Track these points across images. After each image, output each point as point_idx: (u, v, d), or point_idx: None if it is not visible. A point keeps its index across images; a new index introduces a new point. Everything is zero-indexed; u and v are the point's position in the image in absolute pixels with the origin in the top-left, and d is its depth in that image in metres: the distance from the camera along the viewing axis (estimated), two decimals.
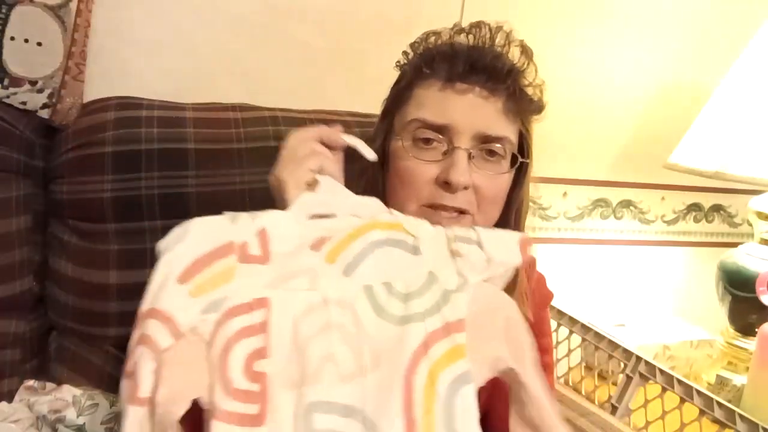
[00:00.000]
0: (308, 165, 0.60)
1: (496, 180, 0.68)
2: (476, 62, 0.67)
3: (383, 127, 0.73)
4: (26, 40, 0.82)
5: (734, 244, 1.35)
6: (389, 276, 0.53)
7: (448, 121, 0.66)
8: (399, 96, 0.72)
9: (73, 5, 0.85)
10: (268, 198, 0.95)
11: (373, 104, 1.10)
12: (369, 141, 0.74)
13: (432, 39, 0.72)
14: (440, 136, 0.67)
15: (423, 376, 0.50)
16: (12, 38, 0.81)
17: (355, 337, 0.50)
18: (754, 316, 1.22)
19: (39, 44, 0.83)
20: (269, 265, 0.51)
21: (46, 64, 0.84)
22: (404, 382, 0.49)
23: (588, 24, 1.37)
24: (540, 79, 0.71)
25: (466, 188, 0.66)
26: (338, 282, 0.52)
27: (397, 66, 0.75)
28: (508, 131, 0.68)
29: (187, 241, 0.50)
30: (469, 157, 0.66)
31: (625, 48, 1.42)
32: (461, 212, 0.67)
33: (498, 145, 0.67)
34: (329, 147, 0.64)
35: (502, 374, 0.53)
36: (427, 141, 0.67)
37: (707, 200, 1.63)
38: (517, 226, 0.74)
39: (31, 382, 0.80)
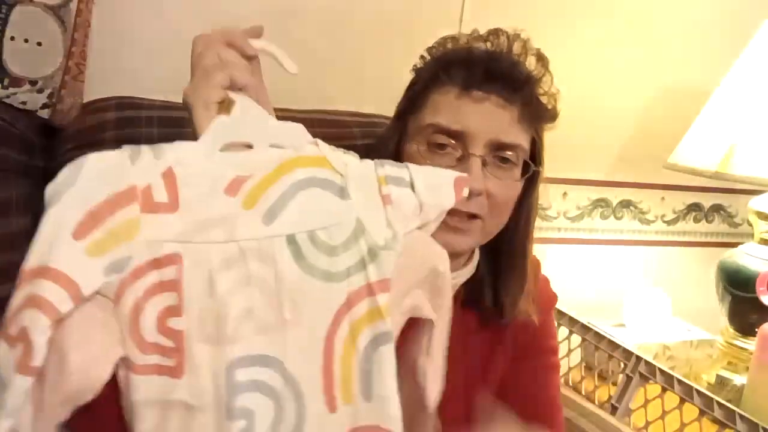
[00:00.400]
0: (216, 80, 0.51)
1: (508, 187, 0.69)
2: (494, 70, 0.67)
3: (397, 129, 0.73)
4: (26, 40, 0.82)
5: (734, 244, 1.35)
6: (314, 223, 0.49)
7: (464, 127, 0.66)
8: (414, 100, 0.72)
9: (73, 5, 0.85)
10: None
11: (373, 104, 1.10)
12: (382, 142, 0.76)
13: (449, 44, 0.73)
14: (455, 142, 0.67)
15: (344, 334, 0.49)
16: (12, 38, 0.81)
17: (276, 291, 0.47)
18: (754, 316, 1.22)
19: (39, 44, 0.83)
20: (178, 214, 0.45)
21: (46, 64, 0.84)
22: (326, 340, 0.48)
23: (588, 24, 1.37)
24: (555, 88, 0.72)
25: (479, 194, 0.67)
26: (257, 230, 0.47)
27: (413, 70, 0.75)
28: (522, 139, 0.69)
29: (80, 186, 0.43)
30: (483, 163, 0.67)
31: (625, 48, 1.42)
32: (472, 216, 0.68)
33: (511, 153, 0.68)
34: (243, 55, 0.56)
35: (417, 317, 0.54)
36: (442, 146, 0.68)
37: (707, 200, 1.63)
38: (527, 232, 0.75)
39: None
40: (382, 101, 1.14)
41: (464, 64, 0.68)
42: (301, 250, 0.48)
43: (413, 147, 0.69)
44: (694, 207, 1.62)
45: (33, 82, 0.84)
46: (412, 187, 0.53)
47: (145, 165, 0.45)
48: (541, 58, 0.71)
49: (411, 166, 0.55)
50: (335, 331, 0.49)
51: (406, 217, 0.53)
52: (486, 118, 0.67)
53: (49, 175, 0.87)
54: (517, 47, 0.71)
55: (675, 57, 1.47)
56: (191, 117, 0.52)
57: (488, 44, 0.71)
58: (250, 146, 0.50)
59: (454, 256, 0.73)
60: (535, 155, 0.72)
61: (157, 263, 0.44)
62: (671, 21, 1.44)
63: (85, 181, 0.43)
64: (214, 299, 0.45)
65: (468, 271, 0.77)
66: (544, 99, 0.70)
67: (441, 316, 0.54)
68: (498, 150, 0.68)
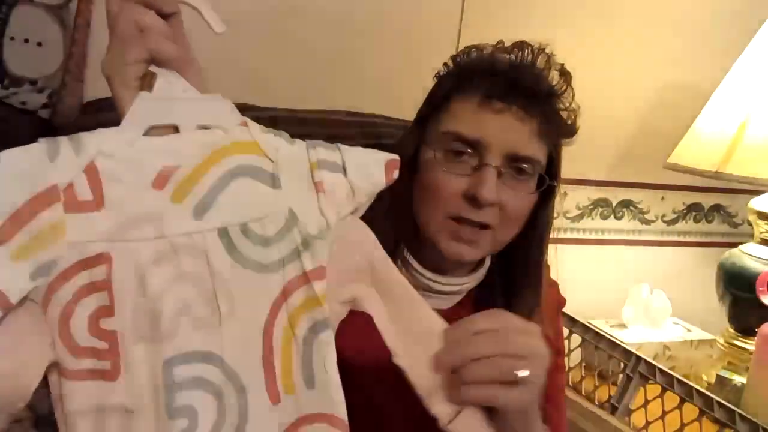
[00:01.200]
0: (132, 55, 0.46)
1: (522, 199, 0.69)
2: (516, 82, 0.67)
3: (416, 134, 0.73)
4: (26, 40, 0.82)
5: (734, 244, 1.35)
6: (245, 215, 0.47)
7: (482, 137, 0.66)
8: (435, 106, 0.72)
9: (73, 5, 0.85)
10: None
11: (373, 104, 1.10)
12: (400, 146, 0.74)
13: (474, 53, 0.72)
14: (472, 151, 0.67)
15: (282, 324, 0.48)
16: (12, 38, 0.81)
17: (210, 285, 0.46)
18: (754, 316, 1.22)
19: (39, 44, 0.83)
20: (104, 211, 0.43)
21: (46, 64, 0.84)
22: (264, 331, 0.48)
23: (588, 24, 1.37)
24: (576, 104, 0.71)
25: (492, 205, 0.67)
26: (188, 225, 0.45)
27: (436, 76, 0.75)
28: (539, 153, 0.69)
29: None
30: (499, 174, 0.67)
31: (626, 48, 1.42)
32: (483, 227, 0.68)
33: (527, 166, 0.68)
34: (161, 13, 0.49)
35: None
36: (459, 154, 0.68)
37: (707, 200, 1.62)
38: (541, 246, 0.75)
39: None
40: (382, 101, 1.15)
41: (487, 74, 0.68)
42: (234, 243, 0.47)
43: (430, 153, 0.69)
44: (694, 207, 1.62)
45: (33, 82, 0.84)
46: (344, 171, 0.52)
47: (65, 161, 0.43)
48: (564, 74, 0.71)
49: (342, 147, 0.54)
50: (273, 322, 0.48)
51: (338, 203, 0.51)
52: (505, 129, 0.66)
53: None
54: (540, 61, 0.70)
55: (675, 57, 1.47)
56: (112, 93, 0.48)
57: (512, 56, 0.70)
58: (176, 127, 0.47)
59: (461, 264, 0.73)
60: (551, 169, 0.72)
61: (85, 264, 0.43)
62: (671, 21, 1.44)
63: (2, 184, 0.41)
64: (146, 297, 0.44)
65: (477, 278, 0.76)
66: (564, 114, 0.70)
67: (393, 302, 0.53)
68: (514, 162, 0.68)
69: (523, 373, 0.51)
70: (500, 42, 0.72)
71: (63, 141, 0.44)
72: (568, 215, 1.47)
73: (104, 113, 0.89)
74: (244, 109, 1.02)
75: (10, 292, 0.41)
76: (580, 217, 1.48)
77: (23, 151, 0.43)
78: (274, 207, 0.49)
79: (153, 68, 0.47)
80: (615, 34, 1.40)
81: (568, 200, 1.46)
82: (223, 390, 0.46)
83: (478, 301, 0.79)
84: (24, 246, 0.41)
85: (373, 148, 0.99)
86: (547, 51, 0.71)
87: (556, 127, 0.69)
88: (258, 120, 0.97)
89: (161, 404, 0.44)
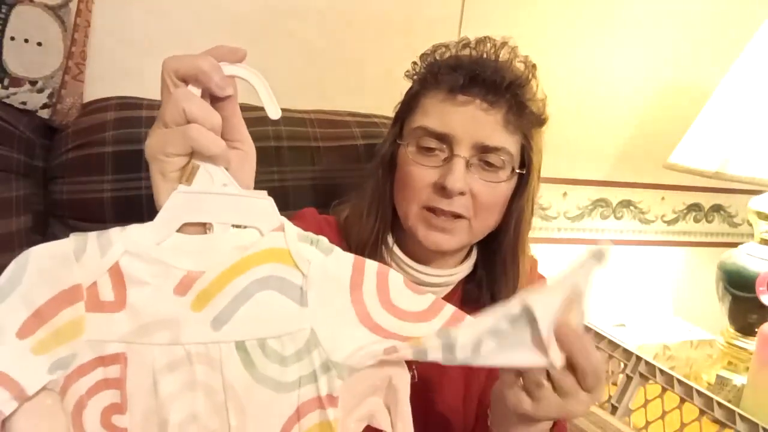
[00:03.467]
0: (175, 148, 0.44)
1: (492, 188, 0.70)
2: (477, 75, 0.69)
3: (393, 132, 0.77)
4: (26, 40, 0.82)
5: (734, 244, 1.35)
6: (265, 331, 0.46)
7: (449, 130, 0.69)
8: (408, 104, 0.75)
9: (73, 5, 0.85)
10: None
11: (373, 104, 1.10)
12: (381, 144, 0.78)
13: (440, 51, 0.75)
14: (442, 144, 0.70)
15: None
16: (12, 38, 0.81)
17: (222, 397, 0.45)
18: (754, 316, 1.22)
19: (39, 44, 0.83)
20: (124, 313, 0.44)
21: (46, 64, 0.84)
22: None
23: (588, 24, 1.37)
24: (542, 93, 0.73)
25: (462, 194, 0.69)
26: (205, 335, 0.45)
27: (406, 76, 0.78)
28: (507, 143, 0.70)
29: (24, 286, 0.42)
30: (468, 165, 0.69)
31: (625, 48, 1.42)
32: (457, 216, 0.70)
33: (496, 156, 0.70)
34: (213, 96, 0.47)
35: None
36: (430, 149, 0.70)
37: (707, 200, 1.63)
38: (517, 235, 0.76)
39: None
40: (382, 101, 1.14)
41: (450, 70, 0.71)
42: (251, 358, 0.46)
43: (404, 149, 0.73)
44: (694, 207, 1.62)
45: (33, 82, 0.84)
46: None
47: (90, 261, 0.43)
48: (527, 65, 0.73)
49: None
50: None
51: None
52: (470, 121, 0.69)
53: (50, 175, 0.88)
54: (503, 54, 0.72)
55: (675, 57, 1.47)
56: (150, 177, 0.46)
57: (474, 51, 0.73)
58: (208, 227, 0.46)
59: (444, 254, 0.74)
60: (524, 160, 0.73)
61: (101, 361, 0.44)
62: (671, 21, 1.44)
63: (29, 280, 0.42)
64: (157, 401, 0.44)
65: (464, 269, 0.78)
66: (530, 104, 0.72)
67: (400, 422, 0.51)
68: (483, 152, 0.70)
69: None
70: (464, 38, 0.75)
71: (91, 238, 0.44)
72: (568, 215, 1.47)
73: (104, 113, 0.89)
74: (244, 109, 1.03)
75: (28, 384, 0.42)
76: (580, 217, 1.49)
77: (51, 248, 0.43)
78: (297, 325, 0.47)
79: (196, 161, 0.45)
80: (615, 34, 1.40)
81: (568, 200, 1.46)
82: None
83: (466, 294, 0.80)
84: (44, 341, 0.42)
85: (373, 147, 1.00)
86: (510, 44, 0.73)
87: (524, 116, 0.71)
88: (258, 120, 0.97)
89: None
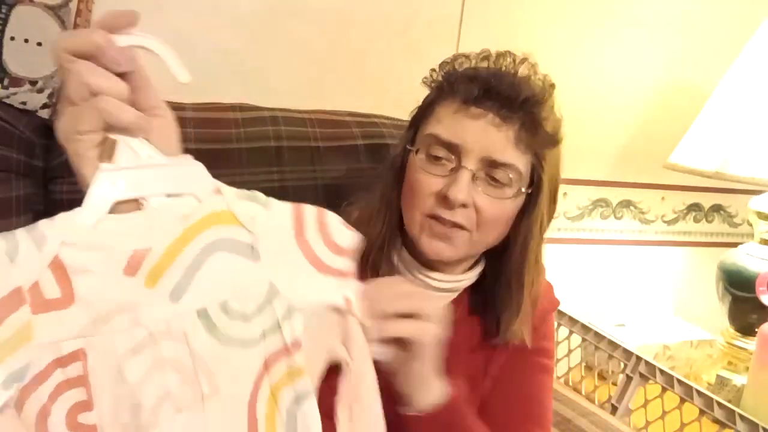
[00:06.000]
0: (86, 124, 0.42)
1: (497, 203, 0.70)
2: (492, 89, 0.68)
3: (407, 137, 0.76)
4: (26, 40, 0.82)
5: (734, 244, 1.35)
6: (224, 293, 0.46)
7: (459, 140, 0.68)
8: (423, 110, 0.75)
9: (73, 5, 0.85)
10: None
11: (373, 104, 1.10)
12: (394, 148, 0.78)
13: (459, 61, 0.74)
14: (450, 155, 0.69)
15: (265, 397, 0.47)
16: (12, 38, 0.81)
17: (192, 368, 0.44)
18: (754, 316, 1.22)
19: (39, 44, 0.83)
20: (74, 307, 0.41)
21: (46, 64, 0.84)
22: (248, 406, 0.47)
23: (588, 24, 1.37)
24: (559, 113, 0.72)
25: (464, 206, 0.68)
26: (165, 311, 0.43)
27: (424, 82, 0.76)
28: (517, 160, 0.69)
29: None
30: (473, 178, 0.68)
31: (625, 48, 1.42)
32: (459, 226, 0.69)
33: (503, 171, 0.69)
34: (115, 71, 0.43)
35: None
36: (438, 157, 0.70)
37: (707, 200, 1.63)
38: (524, 255, 0.74)
39: None
40: (382, 101, 1.15)
41: (467, 80, 0.70)
42: (214, 322, 0.45)
43: (415, 155, 0.72)
44: (694, 207, 1.62)
45: (33, 82, 0.84)
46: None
47: (27, 259, 0.40)
48: (546, 84, 0.72)
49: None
50: (256, 396, 0.47)
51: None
52: (481, 134, 0.68)
53: (49, 175, 0.88)
54: (523, 70, 0.71)
55: (675, 57, 1.47)
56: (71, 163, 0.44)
57: (493, 64, 0.72)
58: (144, 202, 0.44)
59: (447, 263, 0.74)
60: (533, 178, 0.72)
61: (59, 362, 0.41)
62: (671, 21, 1.44)
63: None
64: (125, 388, 0.42)
65: (471, 277, 0.77)
66: (545, 123, 0.70)
67: (358, 359, 0.52)
68: (490, 167, 0.69)
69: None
70: (485, 50, 0.74)
71: (21, 236, 0.40)
72: (568, 215, 1.47)
73: None
74: (244, 109, 1.03)
75: None
76: (580, 217, 1.49)
77: None
78: (254, 281, 0.47)
79: (113, 136, 0.43)
80: (615, 34, 1.40)
81: (568, 200, 1.46)
82: None
83: (473, 302, 0.79)
84: None
85: (374, 147, 1.00)
86: (530, 60, 0.72)
87: (537, 135, 0.70)
88: (258, 120, 0.97)
89: None
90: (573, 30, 1.36)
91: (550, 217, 0.77)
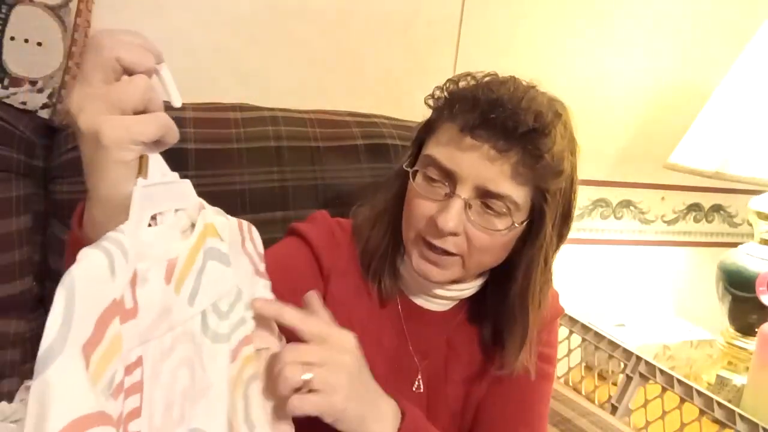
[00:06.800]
0: (147, 137, 0.43)
1: (488, 234, 0.68)
2: (491, 119, 0.65)
3: (411, 152, 0.75)
4: (26, 40, 0.82)
5: (734, 244, 1.35)
6: (215, 295, 0.52)
7: (455, 167, 0.67)
8: (427, 126, 0.73)
9: (73, 5, 0.85)
10: (269, 198, 0.95)
11: (373, 104, 1.11)
12: (398, 161, 0.77)
13: (462, 82, 0.71)
14: (445, 180, 0.68)
15: (231, 385, 0.53)
16: (12, 38, 0.81)
17: (196, 364, 0.49)
18: (754, 316, 1.22)
19: (39, 44, 0.83)
20: (139, 316, 0.43)
21: (46, 64, 0.84)
22: (228, 392, 0.52)
23: (588, 24, 1.37)
24: (561, 144, 0.68)
25: (454, 234, 0.67)
26: (185, 313, 0.48)
27: (426, 102, 0.74)
28: (513, 192, 0.66)
29: (75, 324, 0.39)
30: (467, 206, 0.67)
31: (625, 48, 1.42)
32: (449, 254, 0.69)
33: (498, 203, 0.67)
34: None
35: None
36: (434, 180, 0.69)
37: (707, 200, 1.63)
38: (527, 285, 0.72)
39: (30, 382, 0.80)
40: (382, 101, 1.15)
41: (466, 107, 0.67)
42: (208, 322, 0.51)
43: (413, 175, 0.71)
44: (694, 207, 1.62)
45: (33, 82, 0.84)
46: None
47: (121, 273, 0.42)
48: (552, 113, 0.67)
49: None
50: (227, 387, 0.52)
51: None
52: (476, 165, 0.66)
53: (50, 175, 0.88)
54: (527, 99, 0.66)
55: (675, 57, 1.47)
56: (93, 155, 0.43)
57: (494, 93, 0.67)
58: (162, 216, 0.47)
59: (431, 282, 0.73)
60: (535, 209, 0.69)
61: (127, 370, 0.43)
62: (671, 21, 1.44)
63: (79, 315, 0.39)
64: (160, 390, 0.45)
65: (472, 287, 0.77)
66: (546, 156, 0.65)
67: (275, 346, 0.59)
68: (485, 196, 0.67)
69: (306, 376, 0.54)
70: (492, 73, 0.71)
71: (113, 250, 0.41)
72: None
73: None
74: (244, 109, 1.03)
75: (114, 414, 0.40)
76: (580, 217, 1.49)
77: (91, 270, 0.40)
78: (229, 284, 0.53)
79: (143, 151, 0.45)
80: (615, 33, 1.40)
81: None
82: None
83: (471, 312, 0.79)
84: (96, 369, 0.39)
85: (374, 147, 1.00)
86: (538, 88, 0.69)
87: (536, 169, 0.66)
88: (258, 120, 0.97)
89: None
90: (573, 30, 1.36)
91: (560, 242, 0.74)
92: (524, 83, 0.69)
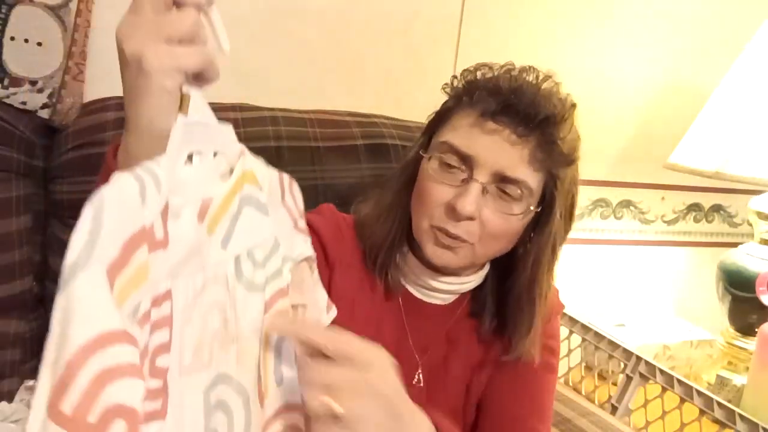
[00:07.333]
0: (191, 66, 0.44)
1: (503, 218, 0.69)
2: (512, 105, 0.67)
3: (421, 142, 0.76)
4: (26, 40, 0.82)
5: (734, 244, 1.35)
6: (250, 242, 0.51)
7: (473, 153, 0.68)
8: (440, 116, 0.74)
9: (73, 5, 0.85)
10: None
11: (373, 104, 1.11)
12: (406, 152, 0.78)
13: (482, 71, 0.73)
14: (462, 165, 0.69)
15: (262, 338, 0.52)
16: (12, 38, 0.81)
17: (227, 310, 0.48)
18: (754, 316, 1.22)
19: (39, 44, 0.83)
20: (169, 248, 0.43)
21: (46, 64, 0.84)
22: (259, 345, 0.51)
23: (588, 24, 1.37)
24: (575, 133, 0.71)
25: (471, 219, 0.68)
26: (218, 255, 0.47)
27: (443, 90, 0.76)
28: (529, 177, 0.68)
29: (102, 241, 0.39)
30: (483, 191, 0.68)
31: (625, 48, 1.42)
32: (461, 240, 0.69)
33: (514, 188, 0.68)
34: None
35: None
36: (451, 166, 0.69)
37: (707, 200, 1.63)
38: (534, 275, 0.73)
39: (31, 383, 0.80)
40: (382, 101, 1.15)
41: (486, 93, 0.69)
42: (242, 268, 0.50)
43: (428, 161, 0.72)
44: (694, 207, 1.62)
45: (33, 82, 0.84)
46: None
47: (152, 201, 0.41)
48: (566, 103, 0.71)
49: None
50: (259, 340, 0.52)
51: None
52: (494, 150, 0.67)
53: (50, 175, 0.88)
54: (545, 87, 0.70)
55: (675, 57, 1.47)
56: (134, 82, 0.43)
57: (515, 80, 0.70)
58: (200, 155, 0.47)
59: (449, 269, 0.74)
60: (545, 197, 0.71)
61: (155, 301, 0.42)
62: (671, 21, 1.44)
63: (106, 233, 0.38)
64: (191, 329, 0.45)
65: (474, 280, 0.77)
66: (561, 144, 0.69)
67: (309, 303, 0.58)
68: (501, 182, 0.68)
69: (337, 409, 0.47)
70: (509, 63, 0.73)
71: (145, 176, 0.41)
72: None
73: (104, 113, 0.89)
74: (244, 109, 1.03)
75: (138, 338, 0.39)
76: (580, 217, 1.49)
77: (123, 193, 0.40)
78: (266, 233, 0.53)
79: (185, 89, 0.45)
80: (615, 33, 1.40)
81: None
82: (234, 408, 0.48)
83: (473, 305, 0.80)
84: (122, 292, 0.39)
85: (374, 147, 1.00)
86: (554, 79, 0.71)
87: (551, 155, 0.69)
88: (258, 120, 0.97)
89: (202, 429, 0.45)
90: (573, 30, 1.36)
91: (566, 234, 0.76)
92: (543, 72, 0.71)
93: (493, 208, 0.68)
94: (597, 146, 1.45)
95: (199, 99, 0.46)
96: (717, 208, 1.65)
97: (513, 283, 0.75)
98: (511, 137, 0.67)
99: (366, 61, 1.19)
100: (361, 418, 0.47)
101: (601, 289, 1.53)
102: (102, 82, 0.97)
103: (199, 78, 0.46)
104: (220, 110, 1.04)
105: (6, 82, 0.82)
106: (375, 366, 0.49)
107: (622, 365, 1.12)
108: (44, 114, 0.87)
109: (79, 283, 0.37)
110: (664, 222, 1.60)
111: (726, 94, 1.24)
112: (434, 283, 0.75)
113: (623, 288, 1.57)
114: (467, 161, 0.68)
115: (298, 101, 1.04)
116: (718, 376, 1.25)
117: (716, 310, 1.33)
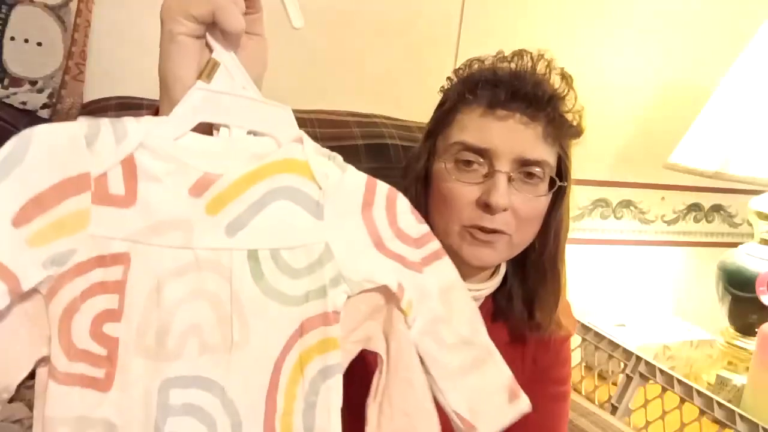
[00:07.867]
0: (197, 11, 0.42)
1: (534, 202, 0.70)
2: (518, 90, 0.68)
3: (426, 148, 0.75)
4: (26, 40, 0.82)
5: (734, 244, 1.35)
6: (279, 241, 0.44)
7: (489, 144, 0.68)
8: (442, 119, 0.73)
9: (73, 5, 0.85)
10: None
11: (373, 104, 1.10)
12: (412, 161, 0.76)
13: (476, 65, 0.74)
14: (481, 159, 0.69)
15: (292, 362, 0.45)
16: (12, 38, 0.81)
17: (227, 309, 0.43)
18: (754, 316, 1.22)
19: (39, 44, 0.83)
20: (134, 210, 0.40)
21: (46, 64, 0.84)
22: (274, 367, 0.45)
23: (588, 24, 1.37)
24: (579, 105, 0.73)
25: (505, 210, 0.68)
26: (218, 241, 0.42)
27: (441, 90, 0.76)
28: (547, 155, 0.69)
29: (26, 166, 0.37)
30: (509, 180, 0.68)
31: (625, 48, 1.42)
32: (499, 232, 0.69)
33: (537, 169, 0.69)
34: None
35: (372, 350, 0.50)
36: (469, 163, 0.69)
37: (707, 200, 1.63)
38: (557, 247, 0.75)
39: (31, 383, 0.80)
40: (382, 101, 1.15)
41: (489, 84, 0.70)
42: (261, 269, 0.44)
43: (441, 165, 0.71)
44: (694, 207, 1.62)
45: (33, 82, 0.84)
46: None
47: (103, 149, 0.39)
48: (565, 77, 0.73)
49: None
50: (284, 358, 0.45)
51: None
52: (511, 135, 0.68)
53: None
54: (541, 67, 0.72)
55: (675, 57, 1.47)
56: (163, 66, 0.43)
57: (512, 65, 0.72)
58: (225, 129, 0.44)
59: (481, 269, 0.74)
60: (561, 171, 0.73)
61: (101, 261, 0.40)
62: (671, 21, 1.44)
63: (31, 161, 0.37)
64: (159, 308, 0.41)
65: (493, 285, 0.77)
66: (568, 116, 0.71)
67: (396, 357, 0.49)
68: (524, 166, 0.69)
69: None
70: (500, 52, 0.74)
71: (104, 125, 0.40)
72: None
73: (104, 113, 0.89)
74: None
75: (23, 278, 0.37)
76: (580, 217, 1.48)
77: (59, 129, 0.39)
78: (311, 238, 0.46)
79: (215, 54, 0.43)
80: (614, 33, 1.40)
81: None
82: (217, 422, 0.43)
83: (497, 307, 0.79)
84: (42, 232, 0.38)
85: (374, 147, 1.00)
86: (546, 57, 0.73)
87: (562, 129, 0.70)
88: None
89: (150, 426, 0.41)
90: (573, 30, 1.36)
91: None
92: (534, 53, 0.73)
93: (522, 194, 0.69)
94: (597, 146, 1.44)
95: (237, 72, 0.44)
96: (717, 208, 1.65)
97: (537, 260, 0.75)
98: (522, 119, 0.68)
99: (366, 61, 1.19)
100: None
101: (601, 289, 1.53)
102: (102, 82, 0.97)
103: (220, 29, 0.43)
104: None
105: (6, 82, 0.82)
106: None
107: (622, 365, 1.12)
108: (44, 114, 0.87)
109: None
110: (664, 222, 1.60)
111: (726, 94, 1.24)
112: None
113: (623, 288, 1.56)
114: (485, 155, 0.68)
115: (298, 101, 1.04)
116: (718, 376, 1.25)
117: (716, 310, 1.33)
